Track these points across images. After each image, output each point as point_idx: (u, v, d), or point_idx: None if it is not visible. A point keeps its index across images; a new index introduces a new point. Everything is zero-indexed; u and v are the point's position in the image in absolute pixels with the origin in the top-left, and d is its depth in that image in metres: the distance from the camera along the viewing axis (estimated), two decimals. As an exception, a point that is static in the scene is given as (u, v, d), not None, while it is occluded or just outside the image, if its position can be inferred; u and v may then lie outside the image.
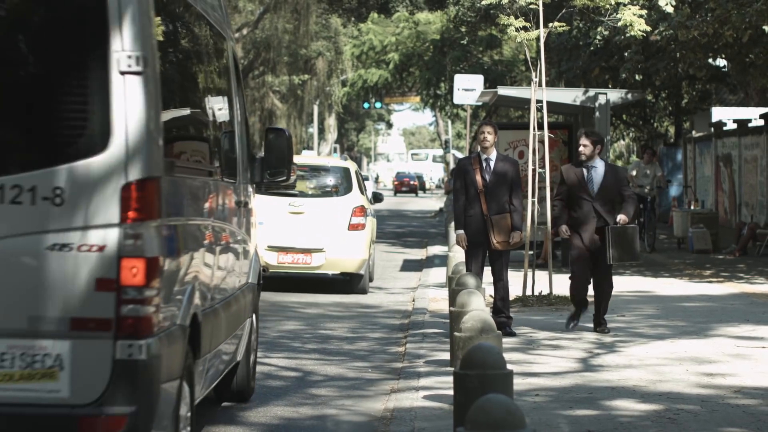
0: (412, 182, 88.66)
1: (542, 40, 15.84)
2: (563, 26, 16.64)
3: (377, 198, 22.65)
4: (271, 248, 17.39)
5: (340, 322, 14.78)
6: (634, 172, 26.00)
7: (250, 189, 9.27)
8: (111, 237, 5.86)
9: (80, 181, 5.84)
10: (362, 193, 18.81)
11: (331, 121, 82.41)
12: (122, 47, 5.85)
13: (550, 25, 16.08)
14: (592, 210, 12.63)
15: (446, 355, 11.19)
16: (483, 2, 16.81)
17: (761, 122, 26.06)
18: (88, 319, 5.82)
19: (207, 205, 7.36)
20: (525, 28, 15.97)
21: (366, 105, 60.72)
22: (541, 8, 15.69)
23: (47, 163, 5.85)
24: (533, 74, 16.02)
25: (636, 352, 11.63)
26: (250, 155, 9.21)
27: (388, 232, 36.14)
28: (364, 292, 18.10)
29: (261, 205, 10.60)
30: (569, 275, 13.03)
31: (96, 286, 5.83)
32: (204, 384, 7.33)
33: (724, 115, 31.11)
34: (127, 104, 5.86)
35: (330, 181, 18.54)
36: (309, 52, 59.35)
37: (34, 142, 5.93)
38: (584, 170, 12.74)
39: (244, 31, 53.11)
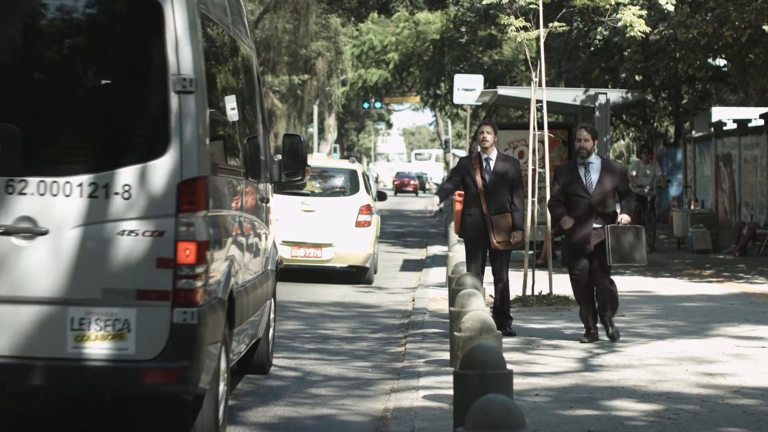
0: (412, 182, 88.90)
1: (542, 40, 15.85)
2: (563, 26, 16.63)
3: (381, 197, 23.76)
4: (285, 243, 18.60)
5: (340, 322, 14.78)
6: (634, 173, 26.00)
7: (269, 187, 10.47)
8: (169, 224, 7.12)
9: (144, 180, 7.12)
10: (368, 192, 20.36)
11: (331, 121, 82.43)
12: (178, 72, 7.15)
13: (550, 25, 16.08)
14: (590, 208, 11.99)
15: (446, 355, 11.19)
16: (483, 2, 16.80)
17: (761, 122, 26.06)
18: (150, 291, 7.07)
19: (239, 200, 8.64)
20: (525, 28, 15.97)
21: (366, 105, 60.73)
22: (540, 8, 15.69)
23: (118, 165, 7.14)
24: (533, 74, 16.02)
25: (636, 352, 11.63)
26: (269, 157, 10.36)
27: (388, 231, 36.14)
28: (369, 282, 19.72)
29: (276, 203, 11.60)
30: (572, 285, 12.29)
31: (157, 264, 7.08)
32: (235, 351, 8.52)
33: (724, 115, 31.11)
34: (182, 117, 7.16)
35: (339, 182, 19.99)
36: (309, 52, 59.35)
37: (107, 148, 7.27)
38: (580, 167, 12.13)
39: (244, 31, 53.05)
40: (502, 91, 21.05)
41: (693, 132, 34.27)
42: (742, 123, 27.83)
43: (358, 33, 52.86)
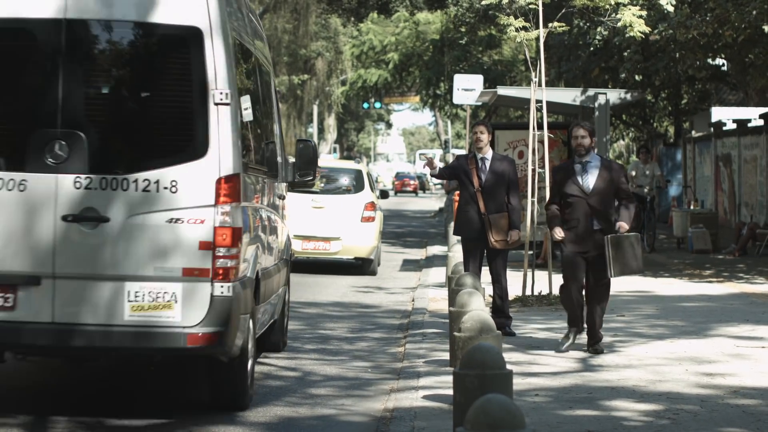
0: (412, 182, 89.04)
1: (542, 40, 15.85)
2: (563, 26, 16.63)
3: (384, 195, 27.17)
4: (297, 237, 19.72)
5: (340, 322, 14.78)
6: (633, 173, 26.01)
7: (284, 186, 11.89)
8: (209, 213, 8.51)
9: (188, 177, 8.51)
10: (372, 191, 22.28)
11: (331, 121, 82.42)
12: (216, 87, 8.54)
13: (550, 25, 16.08)
14: (587, 209, 11.37)
15: (446, 355, 11.19)
16: (483, 2, 16.79)
17: (761, 122, 26.07)
18: (193, 269, 8.46)
19: (262, 195, 10.14)
20: (525, 28, 15.97)
21: (365, 105, 60.72)
22: (540, 8, 15.69)
23: (167, 164, 8.51)
24: (533, 74, 16.02)
25: (635, 352, 11.63)
26: (285, 159, 11.72)
27: (388, 232, 36.11)
28: (373, 274, 21.42)
29: (288, 200, 12.65)
30: (560, 285, 11.74)
31: (198, 246, 8.47)
32: (259, 325, 9.84)
33: (724, 115, 31.13)
34: (219, 125, 8.56)
35: (346, 181, 21.81)
36: (308, 52, 59.37)
37: (158, 150, 8.63)
38: (578, 166, 11.51)
39: (244, 31, 53.07)
40: (502, 91, 21.05)
41: (693, 132, 34.30)
42: (741, 123, 27.84)
43: (357, 33, 52.84)
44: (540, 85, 15.88)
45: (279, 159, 11.20)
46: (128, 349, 8.55)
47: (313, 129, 79.35)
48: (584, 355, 11.50)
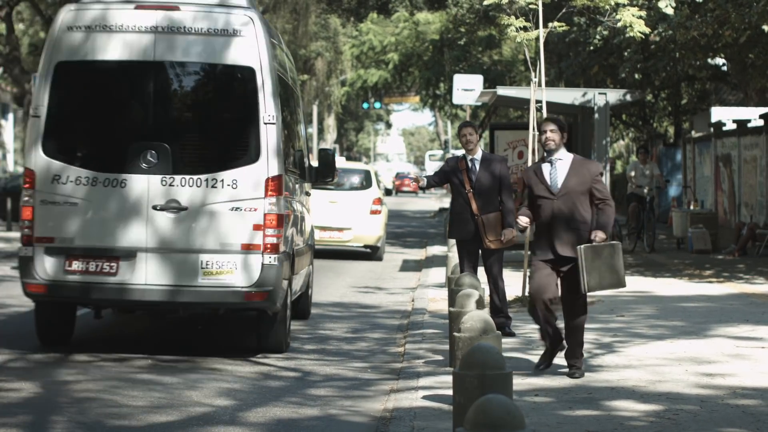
0: (412, 183, 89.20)
1: (542, 41, 15.84)
2: (563, 26, 16.62)
3: (388, 192, 30.21)
4: (315, 227, 21.05)
5: (340, 322, 14.78)
6: (632, 173, 26.02)
7: (309, 185, 14.56)
8: (260, 203, 11.40)
9: (246, 176, 11.41)
10: (379, 188, 26.14)
11: (331, 121, 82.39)
12: (265, 111, 11.47)
13: (550, 24, 16.08)
14: (556, 211, 10.21)
15: (446, 356, 11.19)
16: (485, 2, 16.77)
17: (761, 122, 26.06)
18: (249, 244, 11.33)
19: (296, 191, 12.93)
20: (525, 28, 15.96)
21: (365, 105, 60.73)
22: (540, 8, 15.69)
23: (229, 167, 11.44)
24: (533, 74, 16.02)
25: (635, 352, 11.63)
26: (310, 163, 14.31)
27: (388, 232, 36.12)
28: (380, 259, 24.85)
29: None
30: (530, 309, 10.50)
31: (253, 227, 11.37)
32: (292, 292, 12.47)
33: (724, 115, 31.11)
34: (268, 139, 11.46)
35: (356, 179, 25.34)
36: (308, 52, 59.34)
37: (224, 157, 11.51)
38: (546, 165, 10.37)
39: (244, 32, 53.08)
40: (502, 91, 21.04)
41: (692, 132, 34.28)
42: (741, 123, 27.83)
43: (357, 33, 52.84)
44: (540, 85, 15.88)
45: (306, 163, 14.01)
46: (200, 305, 11.53)
47: (313, 129, 79.35)
48: (584, 355, 11.48)
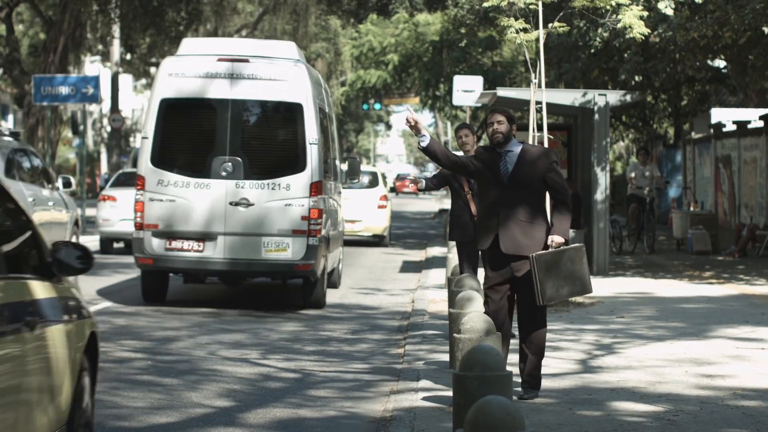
0: (411, 184, 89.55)
1: (542, 42, 15.84)
2: (563, 26, 16.62)
3: (393, 189, 36.72)
4: None
5: (340, 323, 14.78)
6: (632, 174, 26.03)
7: (340, 185, 18.78)
8: (306, 201, 15.47)
9: (296, 182, 15.50)
10: (385, 186, 31.00)
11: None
12: (309, 135, 15.52)
13: (550, 25, 16.07)
14: (506, 204, 9.38)
15: (445, 357, 11.20)
16: (485, 4, 16.76)
17: (761, 123, 26.06)
18: (297, 230, 15.36)
19: (332, 192, 17.04)
20: (524, 30, 15.95)
21: (365, 106, 60.70)
22: (540, 9, 15.69)
23: (285, 175, 15.53)
24: (532, 75, 16.01)
25: (635, 353, 11.63)
26: (340, 169, 18.64)
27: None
28: (386, 246, 29.58)
29: None
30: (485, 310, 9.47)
31: (301, 218, 15.43)
32: (327, 266, 16.65)
33: (724, 116, 31.12)
34: (311, 155, 15.54)
35: (366, 179, 29.37)
36: (308, 53, 59.34)
37: (281, 167, 15.58)
38: (496, 156, 9.54)
39: (243, 33, 53.10)
40: (502, 92, 21.02)
41: (692, 133, 34.28)
42: (741, 124, 27.84)
43: (357, 35, 52.83)
44: (540, 86, 15.87)
45: (338, 169, 18.33)
46: (264, 273, 16.14)
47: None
48: (584, 356, 11.50)
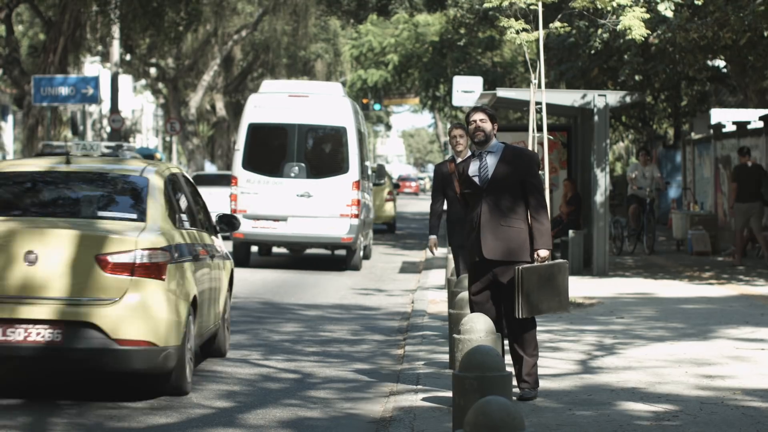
0: (413, 184, 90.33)
1: (541, 42, 15.83)
2: (563, 26, 16.60)
3: (396, 186, 42.03)
4: None
5: (340, 324, 14.78)
6: (633, 175, 26.02)
7: (371, 184, 25.80)
8: (349, 193, 22.23)
9: (342, 180, 22.34)
10: (391, 183, 37.64)
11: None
12: (351, 147, 22.45)
13: (550, 26, 16.07)
14: (485, 207, 9.21)
15: (445, 357, 11.19)
16: (485, 4, 16.75)
17: (760, 124, 26.05)
18: (343, 214, 22.19)
19: (365, 188, 23.56)
20: (525, 30, 15.94)
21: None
22: (540, 10, 15.68)
23: (334, 175, 22.41)
24: (532, 76, 16.00)
25: (635, 354, 11.62)
26: (370, 171, 25.15)
27: (387, 233, 36.15)
28: (392, 232, 36.66)
29: None
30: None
31: (346, 205, 22.17)
32: (362, 240, 23.37)
33: (724, 116, 31.09)
34: (352, 161, 22.44)
35: (375, 177, 33.91)
36: (308, 53, 59.31)
37: (332, 170, 22.46)
38: (476, 159, 9.37)
39: (243, 33, 53.08)
40: (501, 92, 21.03)
41: (692, 134, 34.26)
42: (741, 125, 27.82)
43: (357, 35, 52.83)
44: (539, 86, 15.86)
45: (369, 171, 24.55)
46: (320, 245, 22.57)
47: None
48: (584, 357, 11.49)
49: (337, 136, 22.48)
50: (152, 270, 9.22)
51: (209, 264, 10.73)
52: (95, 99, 33.30)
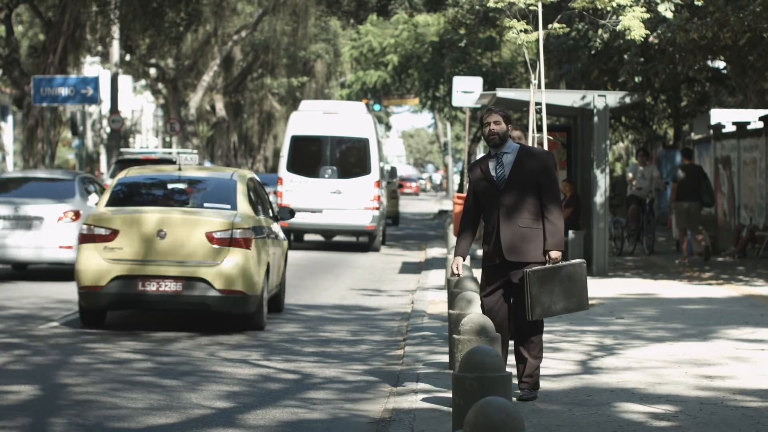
0: (413, 185, 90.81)
1: (541, 42, 15.83)
2: (563, 27, 16.60)
3: (399, 186, 44.95)
4: None
5: (340, 324, 14.77)
6: (631, 175, 26.02)
7: (386, 183, 31.26)
8: (371, 190, 28.08)
9: (366, 180, 28.10)
10: (395, 180, 41.66)
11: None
12: (372, 153, 28.14)
13: (550, 26, 16.07)
14: (502, 208, 9.21)
15: (445, 358, 11.19)
16: (487, 4, 16.74)
17: (760, 124, 26.06)
18: (367, 206, 27.89)
19: (383, 186, 29.37)
20: (525, 30, 15.94)
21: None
22: (540, 10, 15.68)
23: (359, 175, 28.08)
24: (532, 76, 16.00)
25: (635, 354, 11.62)
26: (386, 172, 32.35)
27: (387, 234, 36.14)
28: (396, 224, 41.65)
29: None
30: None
31: (369, 200, 27.97)
32: (381, 228, 29.35)
33: (723, 117, 31.12)
34: (373, 165, 28.15)
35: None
36: (307, 54, 59.31)
37: (357, 171, 28.14)
38: (492, 160, 9.35)
39: (243, 34, 53.07)
40: (501, 93, 21.01)
41: (692, 134, 34.27)
42: (741, 125, 27.83)
43: (357, 36, 52.82)
44: (539, 87, 15.86)
45: (385, 173, 30.10)
46: (347, 232, 28.58)
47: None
48: (583, 357, 11.49)
49: (361, 145, 28.05)
50: (243, 243, 13.55)
51: (274, 242, 14.92)
52: (95, 99, 33.30)
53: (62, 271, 19.84)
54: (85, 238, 13.65)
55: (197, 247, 13.38)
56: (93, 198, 20.10)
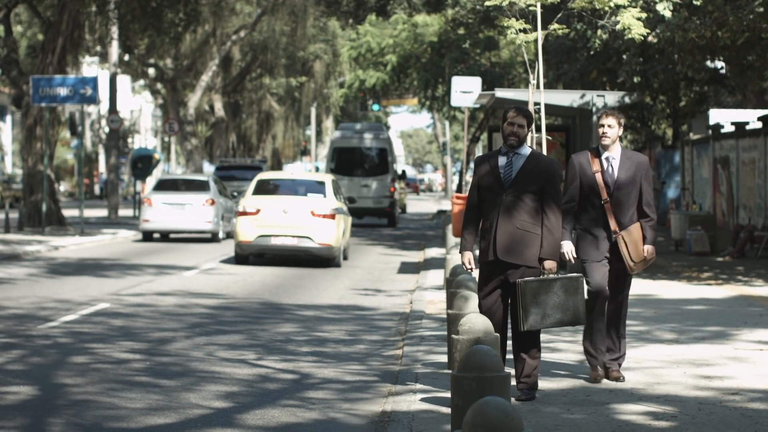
0: (412, 184, 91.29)
1: (540, 43, 15.83)
2: (562, 28, 16.60)
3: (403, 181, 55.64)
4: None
5: (337, 324, 14.77)
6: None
7: (398, 181, 45.57)
8: (389, 185, 42.13)
9: (385, 178, 42.10)
10: (395, 177, 46.97)
11: (329, 123, 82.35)
12: (389, 159, 42.61)
13: (549, 27, 16.06)
14: (500, 209, 9.21)
15: (444, 358, 11.18)
16: (487, 3, 16.73)
17: (759, 124, 26.06)
18: (387, 195, 41.76)
19: (396, 182, 43.87)
20: (524, 31, 15.94)
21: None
22: (539, 10, 15.67)
23: (380, 174, 42.12)
24: (531, 76, 16.00)
25: (633, 354, 11.62)
26: (397, 172, 45.47)
27: (386, 234, 36.16)
28: (404, 212, 55.48)
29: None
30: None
31: (389, 191, 41.95)
32: (397, 210, 44.33)
33: (722, 117, 31.13)
34: (390, 167, 42.41)
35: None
36: (306, 54, 59.31)
37: (378, 171, 42.26)
38: (503, 157, 9.34)
39: (242, 34, 53.08)
40: (500, 93, 21.01)
41: (691, 134, 34.28)
42: (739, 125, 27.84)
43: (356, 36, 52.82)
44: (538, 87, 15.86)
45: (397, 173, 44.34)
46: (373, 213, 42.04)
47: (311, 131, 79.26)
48: (582, 357, 11.48)
49: (382, 153, 41.63)
50: (330, 216, 23.08)
51: (345, 218, 24.36)
52: (93, 99, 33.28)
53: (197, 239, 31.93)
54: (241, 213, 23.34)
55: (305, 219, 23.02)
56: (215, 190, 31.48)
